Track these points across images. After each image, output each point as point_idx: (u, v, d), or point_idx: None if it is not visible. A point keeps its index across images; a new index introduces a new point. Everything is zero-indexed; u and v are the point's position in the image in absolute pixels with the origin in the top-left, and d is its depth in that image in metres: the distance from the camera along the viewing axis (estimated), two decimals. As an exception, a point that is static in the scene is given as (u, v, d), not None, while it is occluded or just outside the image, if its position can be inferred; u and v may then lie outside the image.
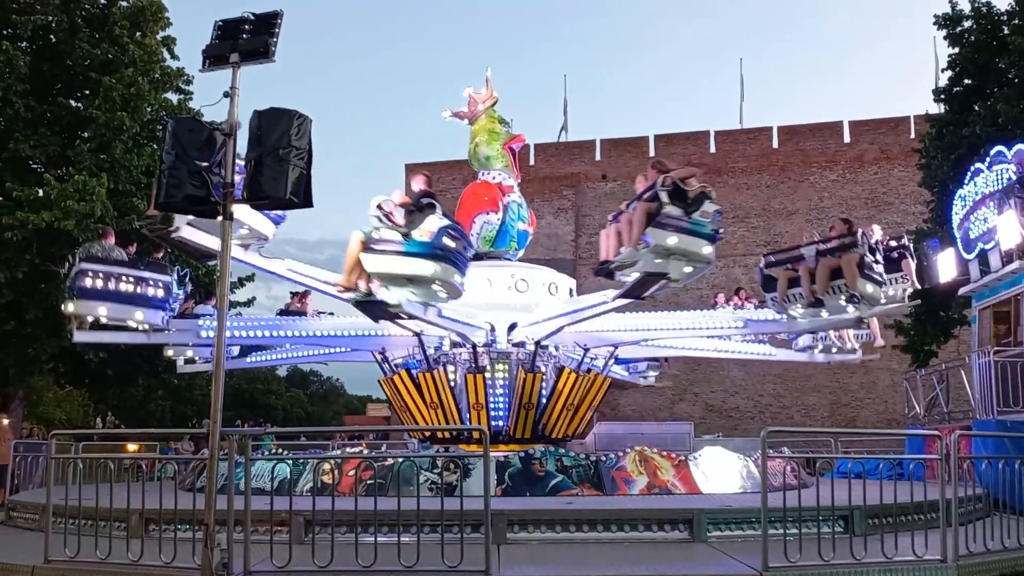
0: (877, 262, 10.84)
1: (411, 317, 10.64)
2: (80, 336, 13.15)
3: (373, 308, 10.22)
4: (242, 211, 9.66)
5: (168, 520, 7.34)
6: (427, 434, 13.82)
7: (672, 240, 9.32)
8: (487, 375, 12.68)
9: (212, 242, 10.43)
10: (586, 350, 13.22)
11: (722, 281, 35.39)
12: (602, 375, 13.78)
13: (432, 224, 9.64)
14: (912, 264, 13.34)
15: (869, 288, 10.49)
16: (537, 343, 12.66)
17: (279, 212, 10.81)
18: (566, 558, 7.32)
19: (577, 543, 8.03)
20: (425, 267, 9.54)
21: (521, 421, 12.80)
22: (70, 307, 12.42)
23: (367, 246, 9.62)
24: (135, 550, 6.88)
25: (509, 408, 12.86)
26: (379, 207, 9.64)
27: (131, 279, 12.46)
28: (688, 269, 9.69)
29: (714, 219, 9.55)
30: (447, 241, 9.65)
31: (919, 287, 13.09)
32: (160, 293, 12.66)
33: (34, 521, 9.65)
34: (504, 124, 14.21)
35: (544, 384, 12.96)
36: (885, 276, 11.57)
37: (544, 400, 13.02)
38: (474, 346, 12.54)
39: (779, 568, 6.50)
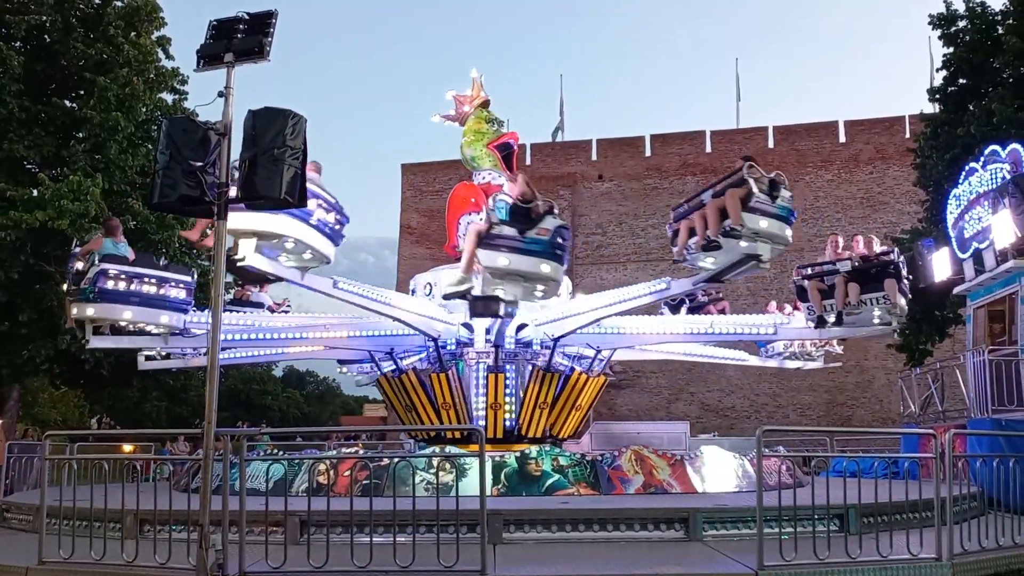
0: (776, 197, 10.43)
1: (279, 278, 10.50)
2: (96, 342, 12.52)
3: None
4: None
5: (163, 521, 7.32)
6: (429, 434, 13.79)
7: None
8: (453, 375, 12.74)
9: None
10: (598, 351, 13.22)
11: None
12: (586, 374, 13.76)
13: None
14: (896, 284, 12.90)
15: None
16: (555, 340, 12.66)
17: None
18: (562, 557, 7.31)
19: (573, 542, 8.01)
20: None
21: (535, 420, 12.81)
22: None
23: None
24: (130, 551, 6.86)
25: (520, 408, 12.86)
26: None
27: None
28: (541, 287, 10.17)
29: (556, 234, 10.00)
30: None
31: (905, 305, 13.09)
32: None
33: (28, 522, 9.61)
34: (493, 123, 14.12)
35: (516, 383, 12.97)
36: (861, 295, 12.28)
37: (516, 401, 13.02)
38: (436, 344, 12.55)
39: (774, 567, 6.51)
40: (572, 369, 13.26)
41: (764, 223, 9.83)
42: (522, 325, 12.74)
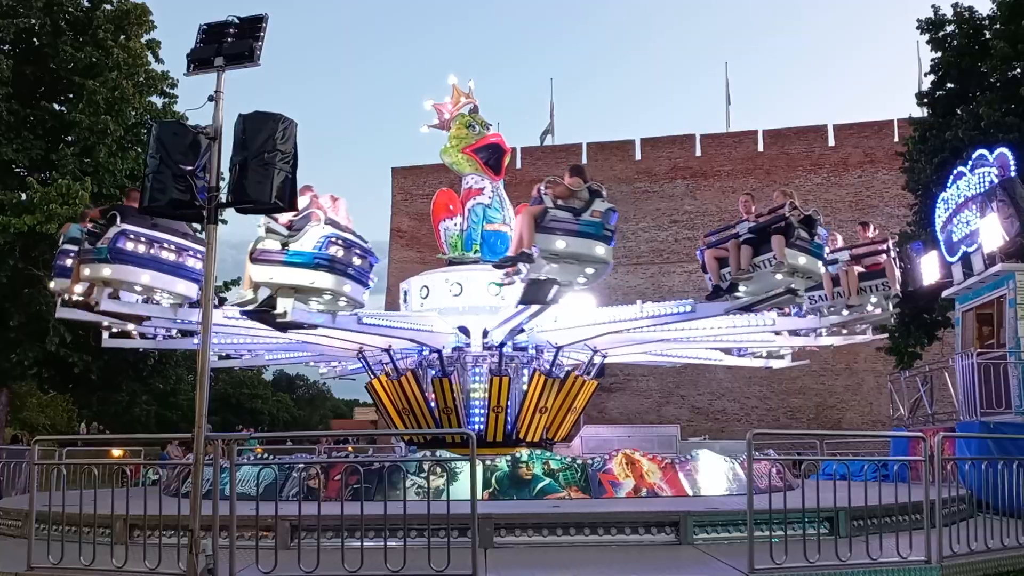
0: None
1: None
2: (110, 342, 13.01)
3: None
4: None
5: (153, 526, 7.29)
6: (425, 438, 13.76)
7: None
8: (454, 380, 12.65)
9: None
10: (558, 349, 13.14)
11: (708, 285, 35.51)
12: (582, 377, 13.76)
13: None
14: (784, 240, 12.79)
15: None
16: (500, 346, 12.62)
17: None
18: (553, 561, 7.32)
19: (564, 546, 8.02)
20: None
21: (533, 424, 12.85)
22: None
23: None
24: (119, 556, 6.82)
25: (520, 411, 12.86)
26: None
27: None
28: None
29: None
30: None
31: (809, 264, 13.02)
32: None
33: (17, 528, 9.54)
34: (474, 127, 14.18)
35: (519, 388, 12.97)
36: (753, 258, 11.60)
37: (516, 404, 13.01)
38: (439, 351, 12.53)
39: (765, 570, 6.53)
40: (568, 372, 13.25)
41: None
42: (519, 329, 12.74)
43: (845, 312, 12.91)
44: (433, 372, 12.79)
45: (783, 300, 10.77)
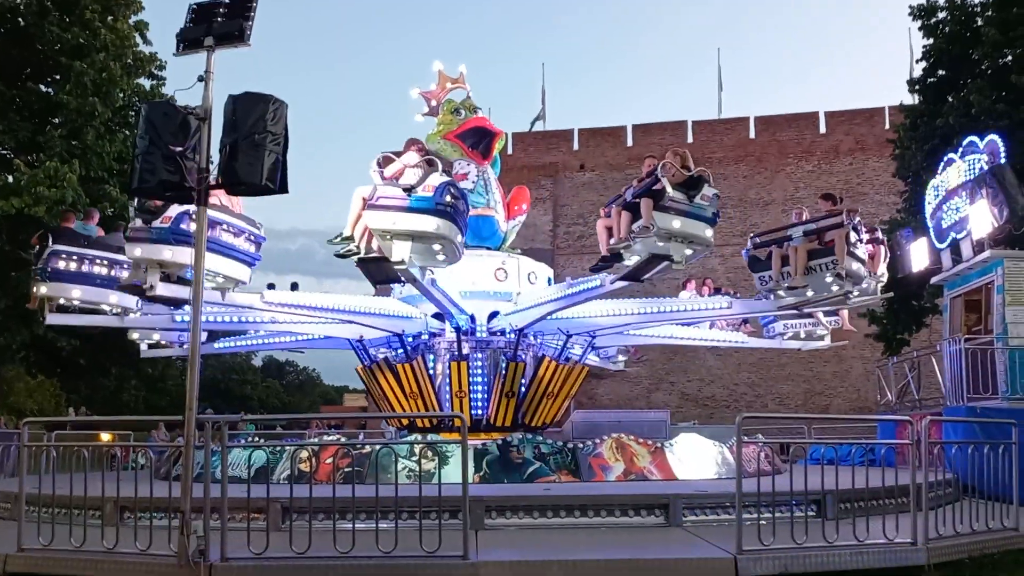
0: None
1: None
2: (53, 319, 13.06)
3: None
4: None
5: (143, 508, 7.28)
6: (406, 422, 13.82)
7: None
8: (468, 364, 12.72)
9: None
10: (568, 336, 13.22)
11: (699, 271, 35.39)
12: (580, 364, 13.83)
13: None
14: (651, 204, 12.77)
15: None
16: (519, 331, 12.67)
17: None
18: (544, 543, 7.36)
19: (555, 528, 8.07)
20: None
21: (503, 409, 12.84)
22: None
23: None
24: (110, 538, 6.83)
25: (490, 397, 12.88)
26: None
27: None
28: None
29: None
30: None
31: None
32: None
33: (7, 510, 9.53)
34: (460, 113, 14.12)
35: (525, 373, 13.00)
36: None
37: (524, 389, 13.06)
38: (458, 332, 12.56)
39: (753, 551, 6.58)
40: (542, 358, 13.25)
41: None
42: (494, 314, 12.78)
43: (782, 293, 11.32)
44: (448, 357, 12.84)
45: (661, 268, 10.24)
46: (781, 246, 11.22)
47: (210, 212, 10.66)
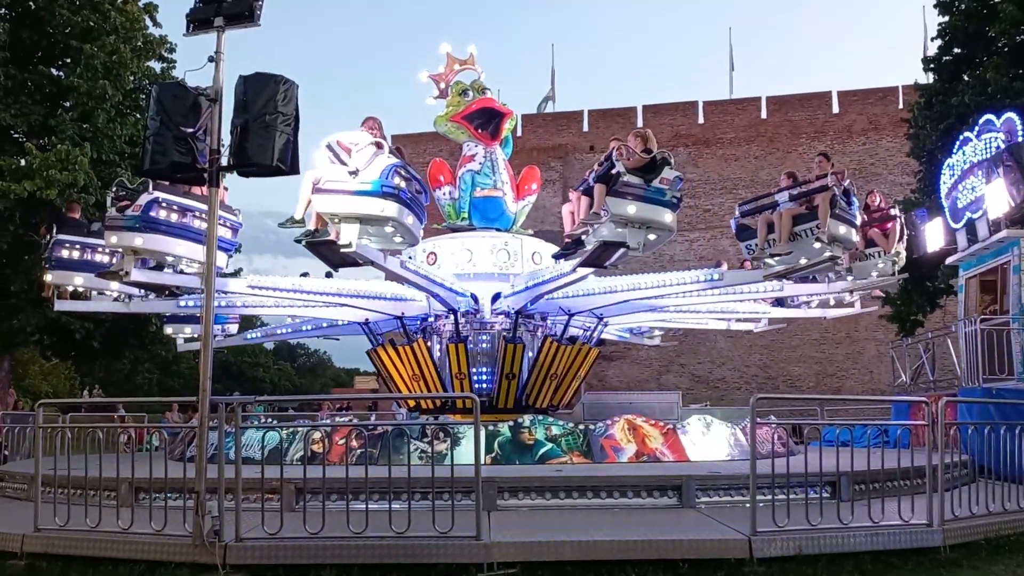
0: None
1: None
2: (61, 305, 13.40)
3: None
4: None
5: (158, 489, 7.33)
6: (412, 404, 13.88)
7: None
8: (469, 345, 12.74)
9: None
10: (569, 316, 13.17)
11: (709, 252, 35.45)
12: (588, 345, 13.78)
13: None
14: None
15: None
16: (516, 313, 12.64)
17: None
18: (556, 523, 7.35)
19: (567, 509, 8.08)
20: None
21: (503, 391, 12.84)
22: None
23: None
24: (125, 518, 6.87)
25: (493, 378, 12.88)
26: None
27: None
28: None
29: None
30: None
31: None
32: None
33: (23, 491, 9.63)
34: (468, 95, 14.06)
35: (525, 354, 12.96)
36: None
37: (528, 371, 13.05)
38: (455, 314, 12.54)
39: (767, 532, 6.56)
40: (544, 339, 13.20)
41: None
42: (497, 295, 12.76)
43: (769, 262, 10.76)
44: (448, 338, 12.86)
45: (619, 255, 10.02)
46: (769, 213, 10.87)
47: (181, 199, 10.93)
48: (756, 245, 10.96)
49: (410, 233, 10.01)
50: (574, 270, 10.98)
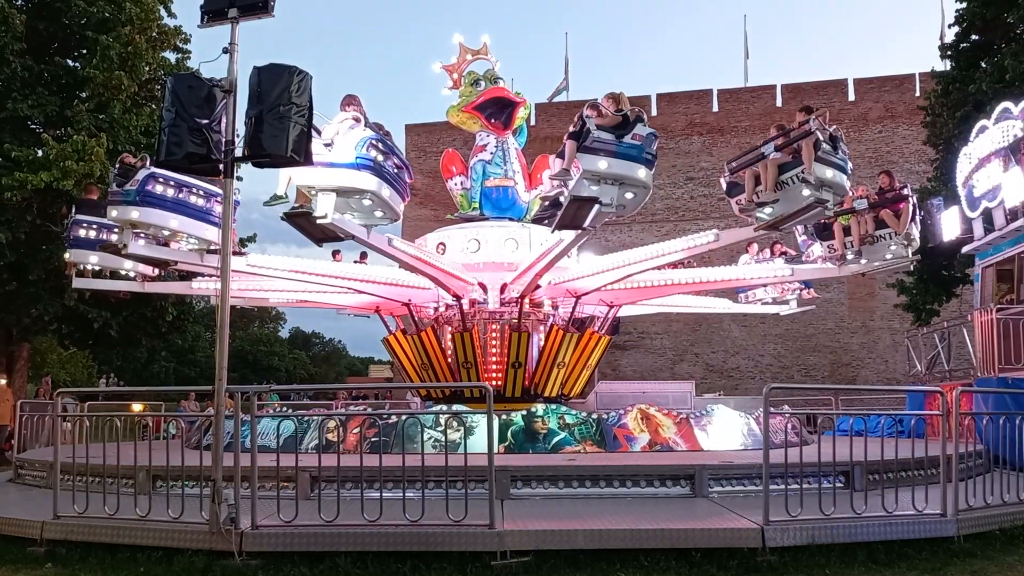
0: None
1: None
2: (79, 283, 13.76)
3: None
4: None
5: (175, 477, 7.41)
6: (423, 393, 13.95)
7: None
8: (472, 335, 12.75)
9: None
10: (576, 299, 13.10)
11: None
12: (598, 333, 13.77)
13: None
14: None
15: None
16: (519, 299, 12.64)
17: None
18: (569, 512, 7.38)
19: (580, 498, 8.10)
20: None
21: (510, 380, 12.83)
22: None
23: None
24: (143, 506, 6.96)
25: (504, 367, 12.90)
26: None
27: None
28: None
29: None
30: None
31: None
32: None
33: (42, 479, 9.75)
34: (479, 85, 14.05)
35: (531, 343, 12.95)
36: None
37: (536, 359, 13.05)
38: (459, 302, 12.57)
39: (780, 522, 6.56)
40: (551, 327, 13.17)
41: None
42: (505, 284, 12.77)
43: (760, 215, 10.65)
44: (454, 327, 12.90)
45: (594, 212, 9.81)
46: (755, 168, 10.70)
47: (179, 175, 10.92)
48: (744, 199, 10.83)
49: (389, 207, 9.84)
50: (560, 241, 10.87)
